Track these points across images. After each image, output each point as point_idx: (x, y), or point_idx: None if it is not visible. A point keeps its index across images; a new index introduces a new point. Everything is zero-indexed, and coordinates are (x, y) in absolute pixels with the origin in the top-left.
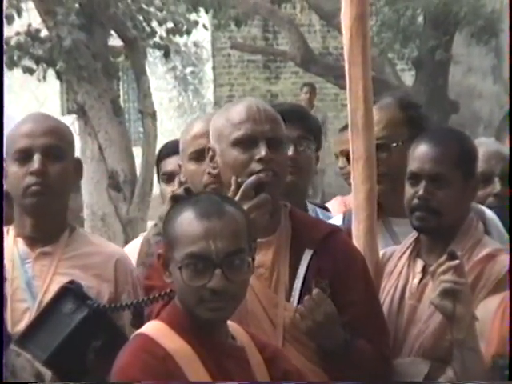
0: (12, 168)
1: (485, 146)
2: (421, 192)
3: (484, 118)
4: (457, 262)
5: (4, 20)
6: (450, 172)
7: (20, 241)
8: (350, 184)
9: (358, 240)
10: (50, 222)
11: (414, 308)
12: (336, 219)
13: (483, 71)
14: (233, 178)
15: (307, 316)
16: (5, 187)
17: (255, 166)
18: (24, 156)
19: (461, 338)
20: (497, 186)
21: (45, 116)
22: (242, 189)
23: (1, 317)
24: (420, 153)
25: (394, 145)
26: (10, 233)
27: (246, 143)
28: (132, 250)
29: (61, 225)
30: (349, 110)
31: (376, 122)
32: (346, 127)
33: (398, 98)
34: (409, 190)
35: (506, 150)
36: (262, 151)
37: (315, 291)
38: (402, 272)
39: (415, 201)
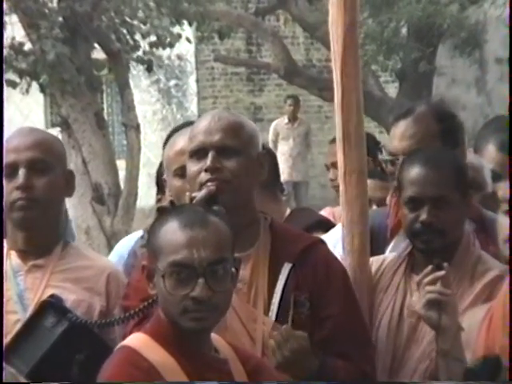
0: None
1: None
2: (424, 216)
3: (468, 130)
4: (443, 272)
5: None
6: (450, 193)
7: (13, 253)
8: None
9: (350, 255)
10: (42, 235)
11: (414, 326)
12: (337, 229)
13: (467, 83)
14: (187, 193)
15: (276, 351)
16: None
17: (203, 177)
18: (11, 171)
19: (446, 349)
20: None
21: (31, 130)
22: (193, 203)
23: (0, 320)
24: (417, 177)
25: None
26: (4, 246)
27: (197, 155)
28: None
29: (53, 238)
30: (338, 122)
31: (411, 135)
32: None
33: (434, 109)
34: (408, 215)
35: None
36: (208, 161)
37: (284, 326)
38: (398, 288)
39: (418, 225)
